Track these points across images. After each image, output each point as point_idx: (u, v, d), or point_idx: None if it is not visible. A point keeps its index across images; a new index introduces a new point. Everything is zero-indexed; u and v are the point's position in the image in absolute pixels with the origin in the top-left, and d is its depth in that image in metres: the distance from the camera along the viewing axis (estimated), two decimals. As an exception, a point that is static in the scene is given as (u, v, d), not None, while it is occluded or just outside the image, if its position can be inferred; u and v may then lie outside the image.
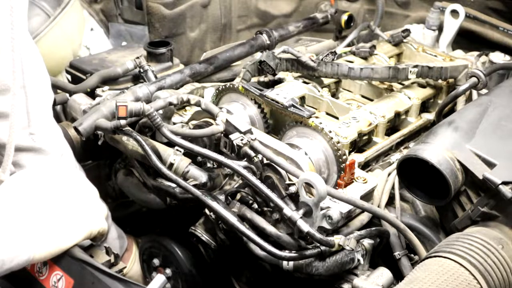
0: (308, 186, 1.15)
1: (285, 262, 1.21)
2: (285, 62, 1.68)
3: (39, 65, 1.40)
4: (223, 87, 1.56)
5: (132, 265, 1.63)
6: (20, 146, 1.31)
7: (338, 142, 1.41)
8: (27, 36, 1.35)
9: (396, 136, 1.60)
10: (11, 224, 1.10)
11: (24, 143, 1.32)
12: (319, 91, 1.64)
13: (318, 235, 1.14)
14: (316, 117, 1.45)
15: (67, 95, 1.69)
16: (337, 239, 1.17)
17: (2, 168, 1.25)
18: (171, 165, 1.38)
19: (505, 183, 1.13)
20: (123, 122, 1.31)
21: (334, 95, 1.77)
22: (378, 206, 1.36)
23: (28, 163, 1.36)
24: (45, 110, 1.42)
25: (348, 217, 1.27)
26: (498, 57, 1.89)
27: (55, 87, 1.73)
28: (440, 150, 1.22)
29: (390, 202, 1.40)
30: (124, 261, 1.57)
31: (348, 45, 2.08)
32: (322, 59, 1.70)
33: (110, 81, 1.73)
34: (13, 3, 1.13)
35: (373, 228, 1.29)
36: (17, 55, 1.17)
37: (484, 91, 1.62)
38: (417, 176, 1.26)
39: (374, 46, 1.87)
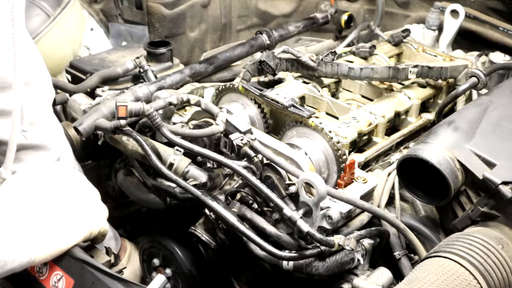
0: (308, 186, 1.15)
1: (285, 262, 1.21)
2: (285, 62, 1.68)
3: (37, 61, 1.40)
4: (223, 87, 1.56)
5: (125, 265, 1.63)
6: (19, 143, 1.31)
7: (338, 142, 1.41)
8: (25, 33, 1.35)
9: (396, 136, 1.60)
10: (13, 225, 1.10)
11: (21, 140, 1.32)
12: (319, 91, 1.64)
13: (318, 235, 1.14)
14: (316, 117, 1.45)
15: (67, 95, 1.69)
16: (337, 239, 1.17)
17: (4, 166, 1.25)
18: (171, 165, 1.38)
19: (505, 183, 1.13)
20: (123, 122, 1.31)
21: (334, 95, 1.77)
22: (378, 206, 1.36)
23: (28, 158, 1.35)
24: (44, 107, 1.42)
25: (348, 217, 1.28)
26: (498, 57, 1.89)
27: (55, 87, 1.72)
28: (440, 150, 1.22)
29: (390, 202, 1.40)
30: None
31: (348, 45, 2.08)
32: (322, 59, 1.70)
33: (110, 81, 1.73)
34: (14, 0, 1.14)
35: (373, 228, 1.29)
36: (19, 52, 1.17)
37: (484, 91, 1.62)
38: (417, 176, 1.26)
39: (374, 46, 1.88)
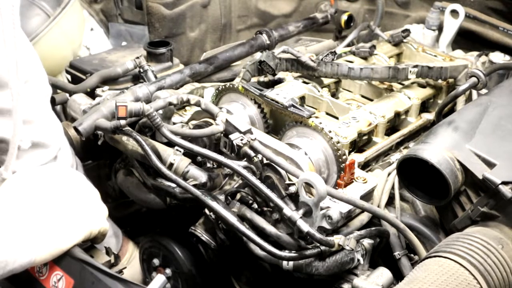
0: (308, 186, 1.15)
1: (285, 262, 1.21)
2: (285, 62, 1.68)
3: (33, 59, 1.40)
4: (223, 87, 1.56)
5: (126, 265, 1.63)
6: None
7: (338, 142, 1.41)
8: (20, 31, 1.35)
9: (396, 136, 1.60)
10: (13, 226, 1.10)
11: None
12: (319, 91, 1.64)
13: (318, 235, 1.14)
14: (316, 117, 1.45)
15: (67, 95, 1.69)
16: (337, 239, 1.17)
17: (5, 166, 1.25)
18: (171, 165, 1.38)
19: (504, 183, 1.13)
20: (123, 122, 1.31)
21: (334, 95, 1.77)
22: (378, 206, 1.36)
23: (25, 156, 1.35)
24: (42, 104, 1.42)
25: (348, 217, 1.28)
26: (498, 57, 1.89)
27: (55, 87, 1.73)
28: (440, 150, 1.22)
29: (390, 202, 1.40)
30: None
31: (348, 45, 2.08)
32: (322, 59, 1.70)
33: (110, 81, 1.73)
34: (14, 1, 1.14)
35: (373, 228, 1.29)
36: (19, 53, 1.17)
37: (484, 91, 1.62)
38: (417, 176, 1.26)
39: (374, 46, 1.87)
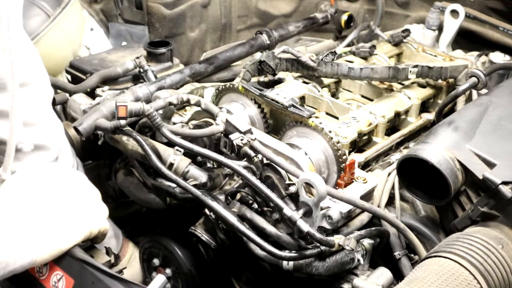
0: (308, 186, 1.15)
1: (285, 262, 1.21)
2: (285, 62, 1.68)
3: (35, 61, 1.40)
4: (223, 87, 1.56)
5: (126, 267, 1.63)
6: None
7: (338, 142, 1.41)
8: (21, 33, 1.35)
9: (396, 136, 1.60)
10: (13, 226, 1.10)
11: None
12: (319, 91, 1.64)
13: (318, 235, 1.14)
14: (316, 117, 1.45)
15: (67, 95, 1.70)
16: (337, 239, 1.17)
17: (3, 167, 1.25)
18: (171, 165, 1.38)
19: (505, 183, 1.13)
20: (123, 122, 1.31)
21: (334, 95, 1.77)
22: (378, 206, 1.36)
23: (27, 158, 1.36)
24: (44, 106, 1.42)
25: (348, 217, 1.28)
26: (498, 57, 1.89)
27: (55, 87, 1.73)
28: (440, 150, 1.22)
29: (390, 202, 1.40)
30: None
31: (348, 45, 2.08)
32: (322, 59, 1.70)
33: (110, 81, 1.73)
34: (8, 2, 1.13)
35: (373, 228, 1.29)
36: (15, 55, 1.17)
37: (484, 91, 1.62)
38: (417, 176, 1.26)
39: (374, 46, 1.88)
